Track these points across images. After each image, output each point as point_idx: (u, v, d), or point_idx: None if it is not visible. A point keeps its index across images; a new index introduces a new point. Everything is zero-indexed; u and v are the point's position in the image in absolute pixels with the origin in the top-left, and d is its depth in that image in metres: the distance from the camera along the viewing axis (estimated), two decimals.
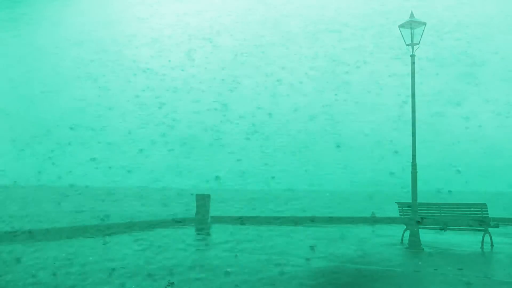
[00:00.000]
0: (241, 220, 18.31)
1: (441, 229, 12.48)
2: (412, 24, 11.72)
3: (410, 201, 11.86)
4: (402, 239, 12.46)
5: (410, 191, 11.65)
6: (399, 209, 13.07)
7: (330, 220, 18.46)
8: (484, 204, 11.81)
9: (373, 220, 18.64)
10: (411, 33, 11.75)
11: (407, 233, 12.05)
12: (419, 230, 11.64)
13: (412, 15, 11.76)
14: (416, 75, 11.74)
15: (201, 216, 16.64)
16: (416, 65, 11.77)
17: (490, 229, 11.77)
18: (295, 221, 18.95)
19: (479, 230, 11.90)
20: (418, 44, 11.79)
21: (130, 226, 15.38)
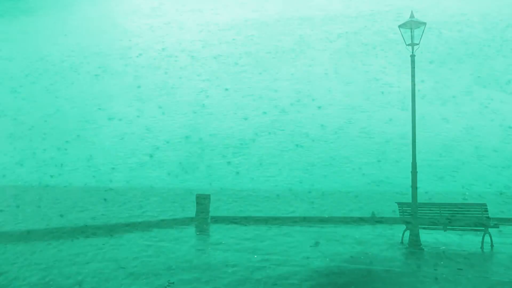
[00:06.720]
0: (241, 220, 18.30)
1: (441, 229, 12.48)
2: (412, 24, 11.72)
3: (410, 201, 11.87)
4: (402, 239, 12.46)
5: (410, 191, 11.66)
6: (399, 209, 13.07)
7: (330, 220, 18.45)
8: (484, 204, 11.80)
9: (373, 220, 18.62)
10: (411, 33, 11.75)
11: (407, 233, 12.06)
12: (419, 230, 11.66)
13: (412, 15, 11.75)
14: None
15: (201, 216, 16.63)
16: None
17: (490, 229, 11.77)
18: (295, 221, 18.95)
19: (479, 230, 11.90)
20: (418, 44, 11.78)
21: (130, 226, 15.38)
